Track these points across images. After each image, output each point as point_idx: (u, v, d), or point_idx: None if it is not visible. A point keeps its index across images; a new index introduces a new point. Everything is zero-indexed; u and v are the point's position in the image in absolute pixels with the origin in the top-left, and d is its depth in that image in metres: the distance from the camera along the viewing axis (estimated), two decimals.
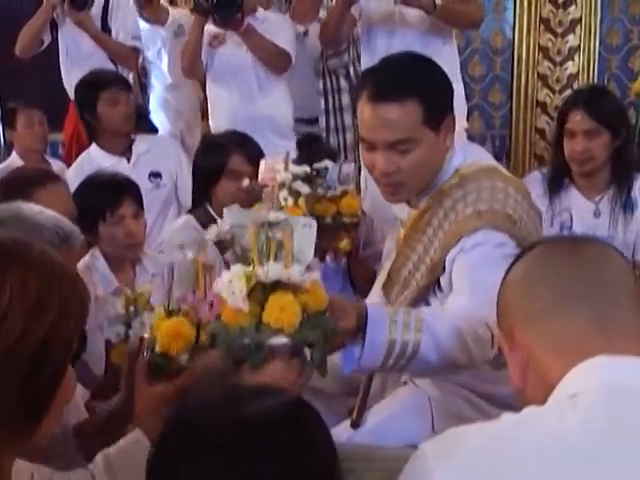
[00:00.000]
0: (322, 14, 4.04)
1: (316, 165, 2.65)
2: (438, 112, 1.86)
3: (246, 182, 2.78)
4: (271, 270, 1.43)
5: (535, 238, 1.84)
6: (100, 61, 4.34)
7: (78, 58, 4.41)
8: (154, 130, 4.37)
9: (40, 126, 4.07)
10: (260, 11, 3.87)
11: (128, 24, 4.47)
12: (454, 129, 1.92)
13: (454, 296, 1.81)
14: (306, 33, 4.07)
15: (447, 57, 3.30)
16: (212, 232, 1.54)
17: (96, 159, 3.60)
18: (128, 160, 3.63)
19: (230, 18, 3.67)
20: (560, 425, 1.01)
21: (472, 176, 1.90)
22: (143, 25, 4.51)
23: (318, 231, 2.67)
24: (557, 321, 1.11)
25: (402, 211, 2.08)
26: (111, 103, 3.58)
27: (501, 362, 1.88)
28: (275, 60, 3.80)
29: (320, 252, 2.78)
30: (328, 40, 3.72)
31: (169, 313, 1.58)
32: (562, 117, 3.08)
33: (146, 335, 1.62)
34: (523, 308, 1.16)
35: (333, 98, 4.05)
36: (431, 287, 1.91)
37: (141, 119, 3.98)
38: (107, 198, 2.57)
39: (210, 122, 4.08)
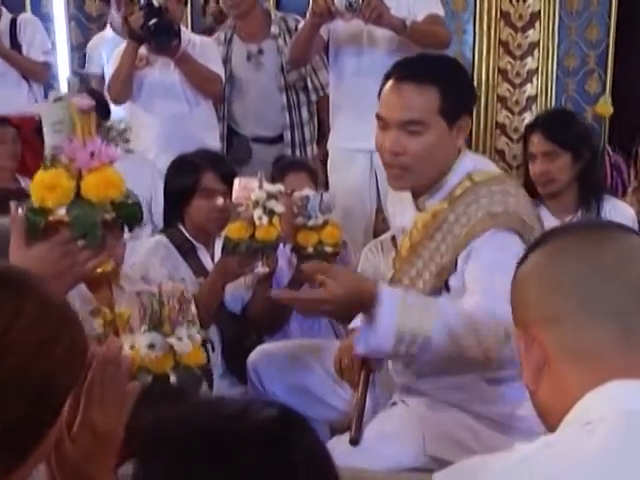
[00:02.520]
0: (273, 29, 4.03)
1: (297, 194, 2.62)
2: (456, 107, 1.93)
3: (220, 201, 2.73)
4: None
5: None
6: (12, 78, 4.40)
7: None
8: None
9: (13, 144, 3.94)
10: (186, 33, 3.84)
11: (37, 39, 4.49)
12: (467, 131, 1.99)
13: (469, 295, 1.80)
14: (261, 51, 4.04)
15: None
16: None
17: None
18: None
19: (167, 45, 3.61)
20: (576, 455, 0.97)
21: (485, 182, 1.93)
22: None
23: (298, 261, 2.63)
24: (579, 327, 1.06)
25: (409, 220, 2.06)
26: None
27: (495, 378, 1.88)
28: (209, 84, 3.82)
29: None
30: (296, 59, 3.71)
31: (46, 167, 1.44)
32: (525, 140, 3.11)
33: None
34: (542, 308, 1.09)
35: (294, 112, 4.04)
36: (436, 292, 1.91)
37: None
38: None
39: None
